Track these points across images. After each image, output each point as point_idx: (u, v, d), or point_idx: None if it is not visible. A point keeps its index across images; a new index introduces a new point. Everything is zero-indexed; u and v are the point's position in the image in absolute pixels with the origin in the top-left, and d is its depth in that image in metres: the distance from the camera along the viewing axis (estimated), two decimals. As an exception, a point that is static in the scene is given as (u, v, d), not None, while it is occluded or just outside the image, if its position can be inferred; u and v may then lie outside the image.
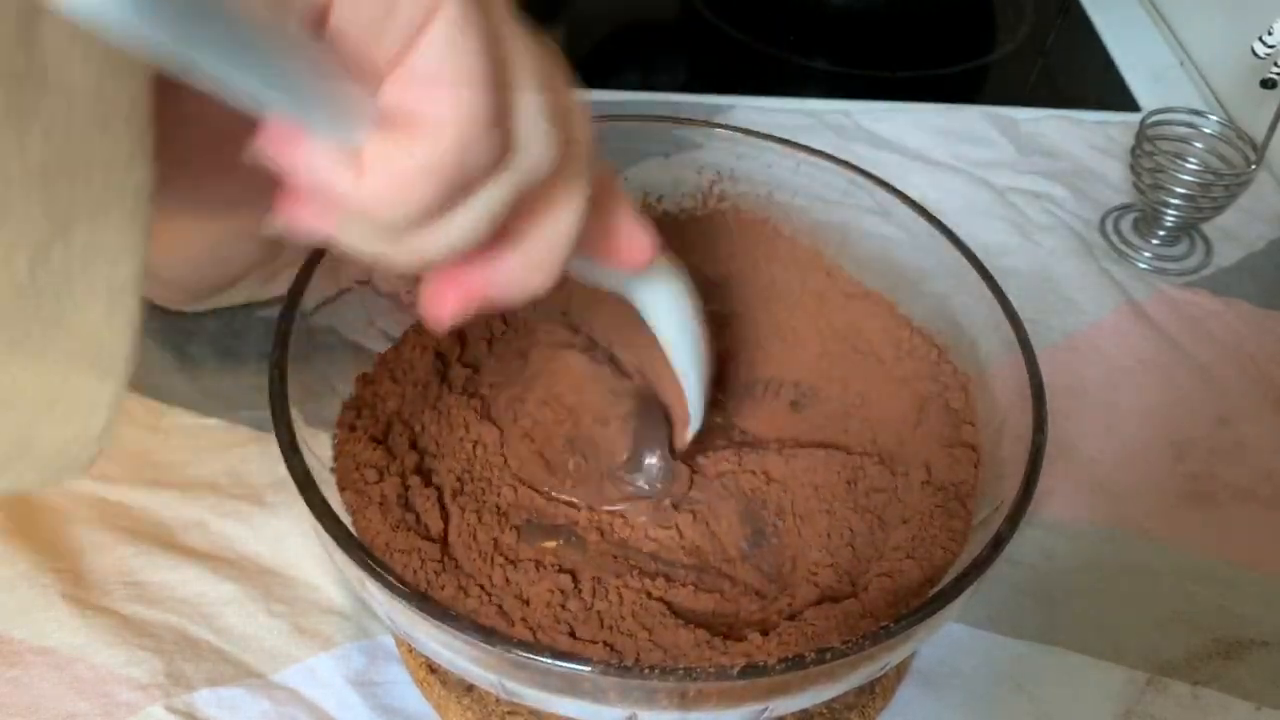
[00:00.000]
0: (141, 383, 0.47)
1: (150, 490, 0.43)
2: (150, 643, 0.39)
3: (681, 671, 0.29)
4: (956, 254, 0.41)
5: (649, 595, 0.36)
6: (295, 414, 0.34)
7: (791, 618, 0.35)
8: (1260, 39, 0.52)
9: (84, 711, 0.37)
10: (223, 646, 0.39)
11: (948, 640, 0.41)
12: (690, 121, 0.46)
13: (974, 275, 0.40)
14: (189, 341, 0.49)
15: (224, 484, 0.44)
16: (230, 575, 0.41)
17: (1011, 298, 0.53)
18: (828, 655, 0.29)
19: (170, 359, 0.48)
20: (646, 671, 0.29)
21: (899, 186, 0.59)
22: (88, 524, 0.42)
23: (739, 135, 0.46)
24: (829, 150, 0.61)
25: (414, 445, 0.39)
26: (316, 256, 0.38)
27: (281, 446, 0.32)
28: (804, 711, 0.38)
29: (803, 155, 0.45)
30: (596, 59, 0.72)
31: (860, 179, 0.44)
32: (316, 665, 0.39)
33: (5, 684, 0.37)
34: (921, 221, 0.42)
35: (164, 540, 0.42)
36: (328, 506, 0.32)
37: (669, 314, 0.36)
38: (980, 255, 0.56)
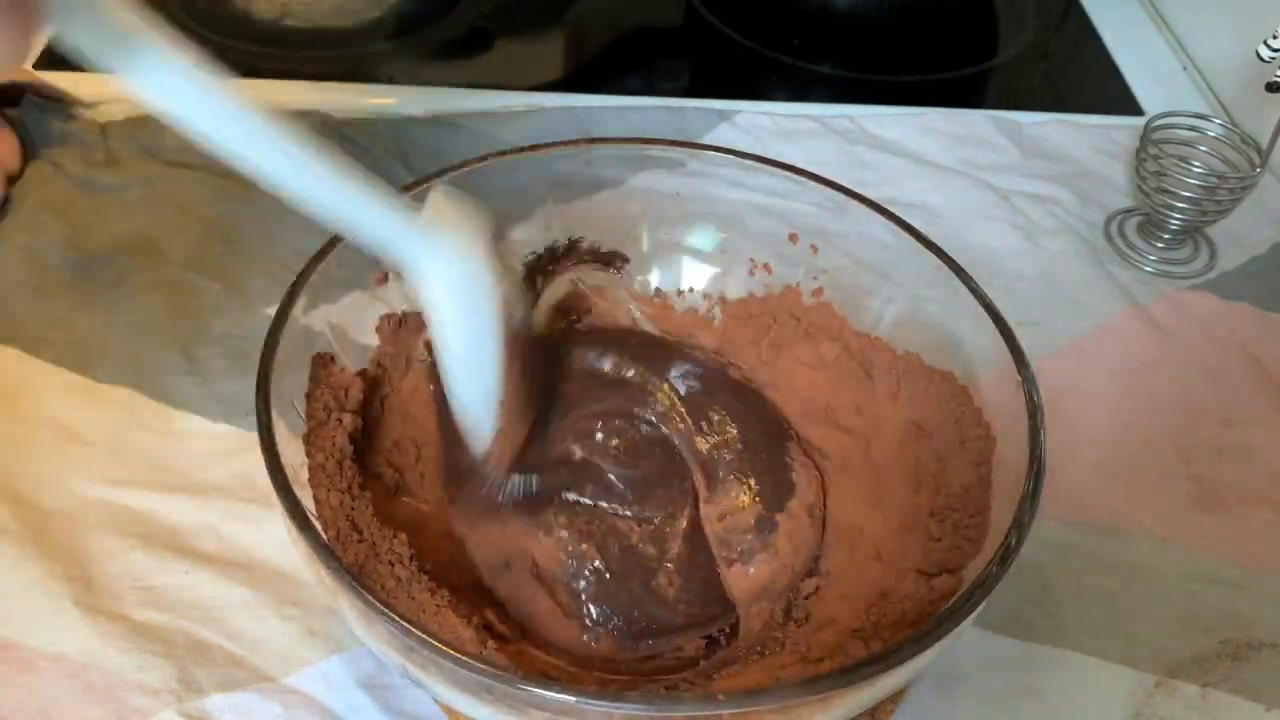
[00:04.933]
0: (151, 386, 0.47)
1: (161, 495, 0.43)
2: (162, 648, 0.39)
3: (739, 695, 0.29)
4: (950, 267, 0.41)
5: None
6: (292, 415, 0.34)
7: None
8: (1265, 42, 0.52)
9: (96, 717, 0.37)
10: (234, 650, 0.39)
11: (958, 643, 0.41)
12: (655, 142, 0.46)
13: (964, 290, 0.40)
14: (198, 345, 0.49)
15: (235, 488, 0.44)
16: (242, 579, 0.41)
17: (1017, 301, 0.54)
18: (852, 672, 0.29)
19: (179, 363, 0.48)
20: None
21: (903, 190, 0.60)
22: (99, 530, 0.42)
23: (717, 155, 0.45)
24: (833, 156, 0.62)
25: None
26: (318, 258, 0.38)
27: (263, 447, 0.33)
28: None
29: (795, 176, 0.44)
30: (601, 63, 0.72)
31: (841, 196, 0.44)
32: (328, 668, 0.39)
33: (18, 690, 0.37)
34: (909, 235, 0.42)
35: (175, 545, 0.42)
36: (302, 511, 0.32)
37: (443, 291, 0.32)
38: (984, 258, 0.57)
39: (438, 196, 0.34)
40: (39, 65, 0.60)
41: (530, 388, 0.37)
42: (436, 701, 0.38)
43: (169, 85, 0.25)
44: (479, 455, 0.37)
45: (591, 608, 0.38)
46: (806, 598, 0.40)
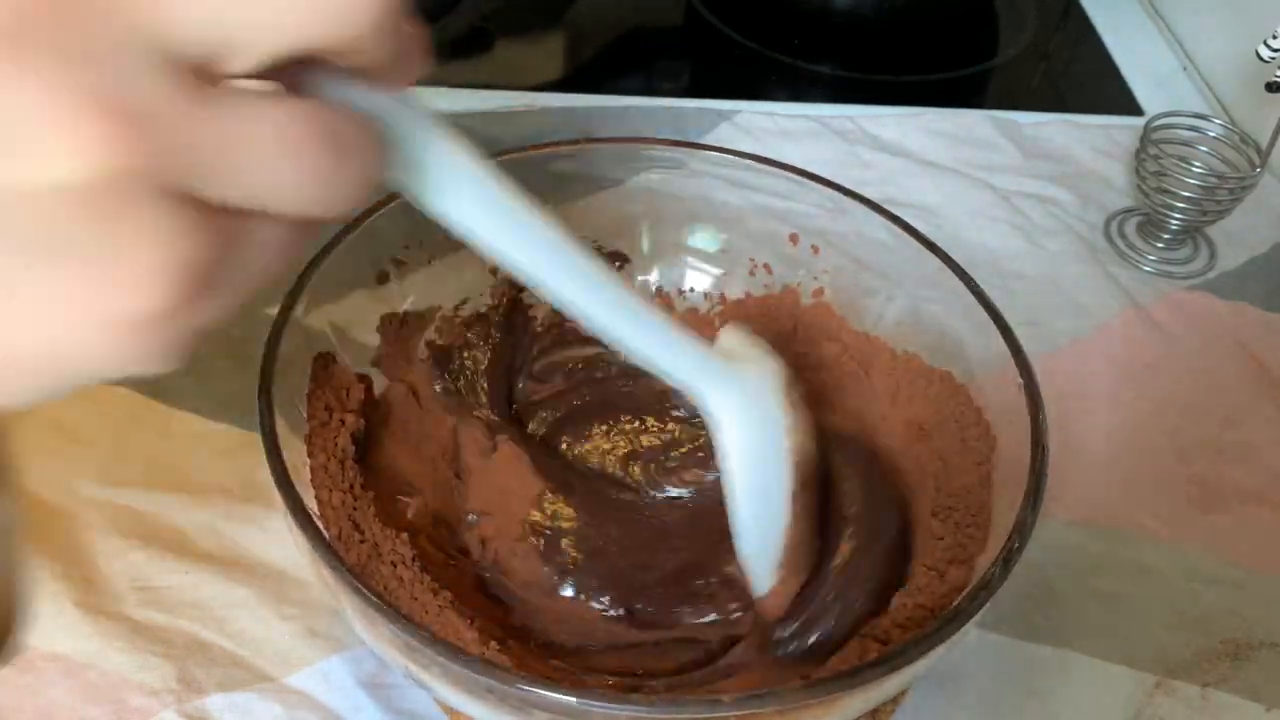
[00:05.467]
0: (151, 386, 0.47)
1: (161, 495, 0.43)
2: (162, 648, 0.39)
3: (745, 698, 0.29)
4: (951, 268, 0.41)
5: None
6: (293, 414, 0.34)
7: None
8: (1265, 42, 0.52)
9: (96, 717, 0.37)
10: (235, 650, 0.39)
11: (958, 644, 0.41)
12: (656, 142, 0.46)
13: (964, 290, 0.40)
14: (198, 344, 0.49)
15: (234, 488, 0.44)
16: (242, 579, 0.41)
17: (1016, 301, 0.54)
18: (855, 674, 0.29)
19: (179, 363, 0.48)
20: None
21: (903, 190, 0.60)
22: (98, 529, 0.42)
23: (717, 155, 0.45)
24: (833, 156, 0.62)
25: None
26: (319, 258, 0.38)
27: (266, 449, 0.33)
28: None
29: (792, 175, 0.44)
30: (601, 63, 0.72)
31: (843, 197, 0.44)
32: (329, 668, 0.39)
33: (17, 691, 0.37)
34: (909, 235, 0.42)
35: (175, 545, 0.42)
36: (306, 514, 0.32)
37: (738, 438, 0.32)
38: (984, 259, 0.57)
39: (728, 333, 0.34)
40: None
41: (815, 530, 0.37)
42: (437, 702, 0.38)
43: (501, 224, 0.24)
44: (757, 594, 0.36)
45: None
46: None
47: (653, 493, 0.43)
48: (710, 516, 0.41)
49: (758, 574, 0.35)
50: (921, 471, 0.41)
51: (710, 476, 0.43)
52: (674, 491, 0.43)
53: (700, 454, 0.44)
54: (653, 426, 0.46)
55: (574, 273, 0.26)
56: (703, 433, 0.45)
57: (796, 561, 0.36)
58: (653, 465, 0.44)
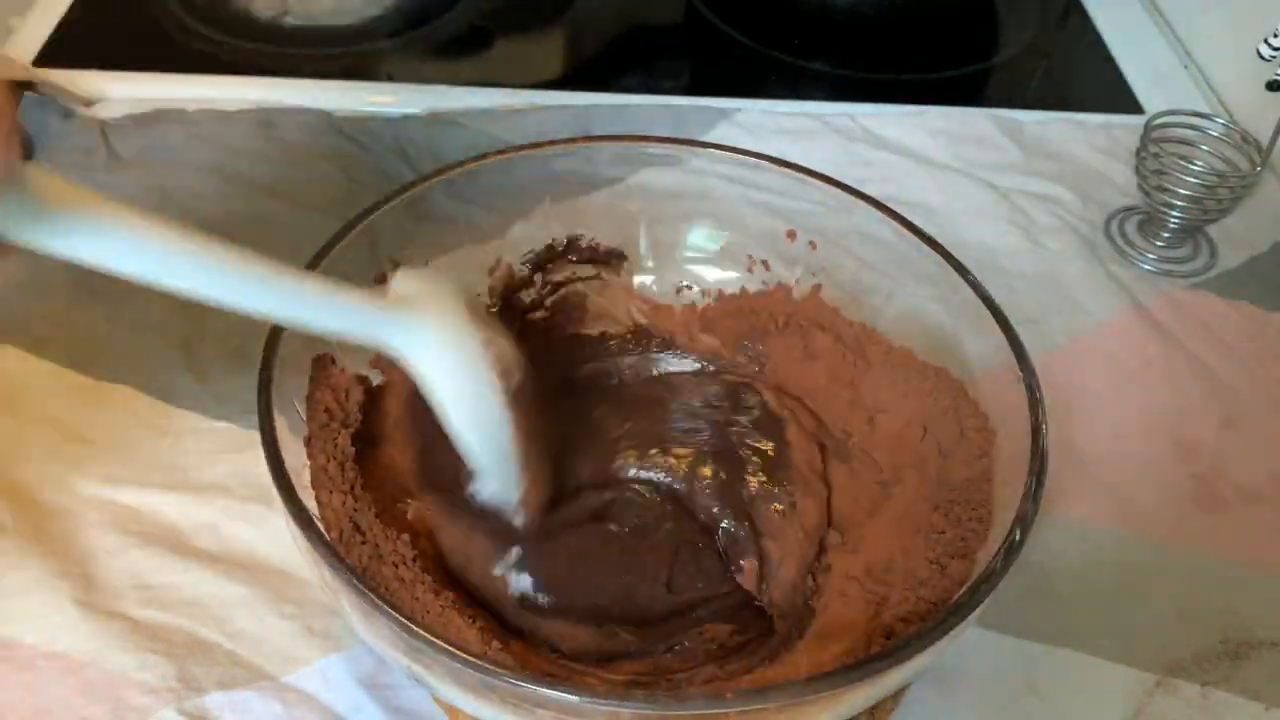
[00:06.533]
0: (151, 385, 0.47)
1: (160, 493, 0.43)
2: (161, 646, 0.39)
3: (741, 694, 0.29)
4: (951, 264, 0.41)
5: None
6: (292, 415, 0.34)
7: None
8: (1265, 41, 0.52)
9: (96, 716, 0.37)
10: (234, 649, 0.39)
11: (958, 641, 0.41)
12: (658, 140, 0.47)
13: (965, 286, 0.40)
14: (198, 343, 0.49)
15: (234, 486, 0.44)
16: (241, 578, 0.41)
17: (1016, 300, 0.54)
18: (859, 668, 0.29)
19: (179, 360, 0.48)
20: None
21: (903, 189, 0.60)
22: (98, 528, 0.42)
23: (716, 153, 0.45)
24: (833, 154, 0.62)
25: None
26: (319, 257, 0.38)
27: (265, 447, 0.33)
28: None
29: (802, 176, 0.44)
30: (601, 61, 0.72)
31: (848, 196, 0.44)
32: (328, 667, 0.39)
33: (17, 689, 0.37)
34: (910, 232, 0.42)
35: (174, 543, 0.42)
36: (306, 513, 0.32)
37: (432, 369, 0.34)
38: (984, 257, 0.57)
39: (403, 277, 0.35)
40: (35, 62, 0.60)
41: (545, 439, 0.38)
42: (436, 700, 0.38)
43: (107, 247, 0.25)
44: (507, 508, 0.38)
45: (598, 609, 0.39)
46: (811, 593, 0.40)
47: (635, 484, 0.43)
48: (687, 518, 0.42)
49: (501, 486, 0.37)
50: (922, 466, 0.41)
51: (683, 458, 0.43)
52: (656, 476, 0.43)
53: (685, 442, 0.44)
54: (645, 421, 0.45)
55: (212, 273, 0.28)
56: (700, 419, 0.45)
57: (536, 469, 0.37)
58: (635, 453, 0.44)
